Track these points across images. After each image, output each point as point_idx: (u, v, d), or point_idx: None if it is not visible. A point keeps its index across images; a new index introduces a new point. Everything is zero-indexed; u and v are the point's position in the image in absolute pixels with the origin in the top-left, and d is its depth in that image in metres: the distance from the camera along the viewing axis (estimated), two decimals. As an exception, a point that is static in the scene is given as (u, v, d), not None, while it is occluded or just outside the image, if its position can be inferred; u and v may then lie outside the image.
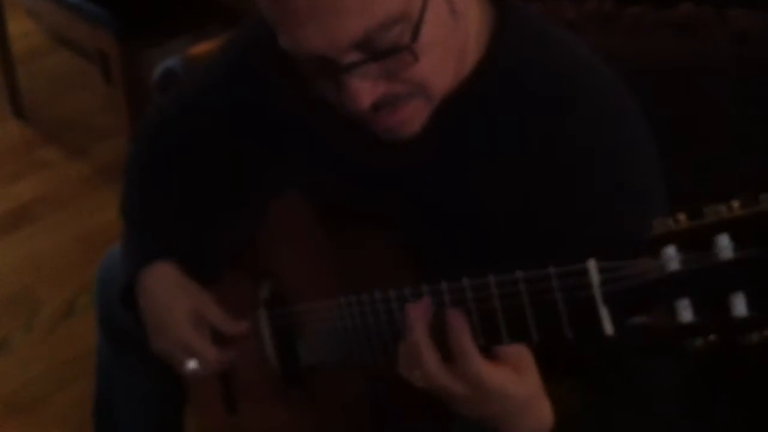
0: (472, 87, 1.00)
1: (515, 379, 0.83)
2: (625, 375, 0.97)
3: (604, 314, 0.71)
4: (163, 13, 2.54)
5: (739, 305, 0.64)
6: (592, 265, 0.71)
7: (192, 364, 1.19)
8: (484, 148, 1.01)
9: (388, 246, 1.05)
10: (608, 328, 0.71)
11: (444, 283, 0.85)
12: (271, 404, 1.25)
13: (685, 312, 0.66)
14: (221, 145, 1.25)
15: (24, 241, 2.57)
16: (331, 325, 1.07)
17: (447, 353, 0.84)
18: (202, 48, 1.75)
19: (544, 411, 0.88)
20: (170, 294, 1.20)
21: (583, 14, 1.46)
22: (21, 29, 3.13)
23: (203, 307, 1.19)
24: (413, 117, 0.96)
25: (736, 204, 0.64)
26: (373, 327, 0.99)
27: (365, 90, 0.90)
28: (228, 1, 2.27)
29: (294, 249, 1.18)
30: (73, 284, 2.37)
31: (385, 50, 0.88)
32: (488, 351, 0.83)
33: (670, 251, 0.66)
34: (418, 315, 0.85)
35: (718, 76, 1.33)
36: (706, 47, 1.35)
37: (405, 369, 0.87)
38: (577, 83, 1.00)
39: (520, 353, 0.84)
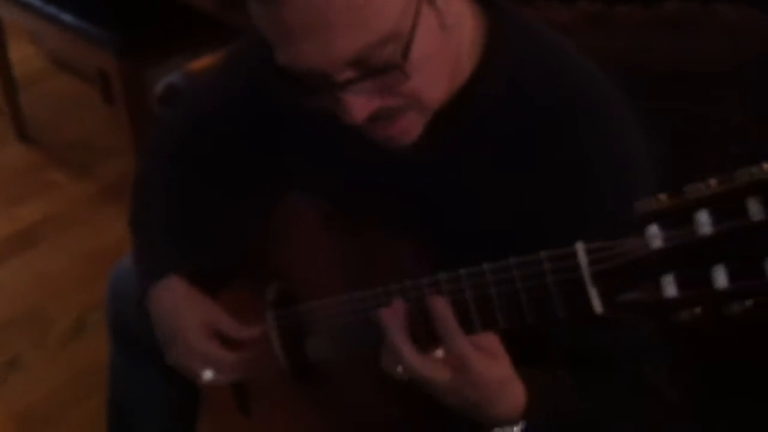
0: (469, 93, 1.03)
1: (491, 363, 0.88)
2: (595, 353, 1.01)
3: (593, 294, 0.74)
4: (162, 32, 2.56)
5: (721, 277, 0.67)
6: (579, 247, 0.74)
7: (208, 374, 1.21)
8: (481, 151, 1.03)
9: (393, 243, 1.07)
10: (597, 306, 0.74)
11: (442, 274, 0.88)
12: (283, 403, 1.27)
13: (670, 287, 0.69)
14: (224, 152, 1.27)
15: (33, 261, 2.59)
16: (337, 322, 1.08)
17: (430, 343, 0.89)
18: (203, 62, 1.77)
19: (517, 393, 0.92)
20: (180, 308, 1.22)
21: (574, 15, 1.48)
22: (21, 54, 3.17)
23: (214, 317, 1.21)
24: (409, 127, 0.99)
25: (713, 181, 0.67)
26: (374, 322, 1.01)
27: (360, 105, 0.92)
28: (227, 19, 2.30)
29: (299, 249, 1.20)
30: (83, 301, 2.39)
31: (378, 68, 0.90)
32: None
33: (653, 229, 0.69)
34: (390, 315, 0.91)
35: (709, 70, 1.35)
36: (696, 42, 1.37)
37: (388, 365, 0.93)
38: (571, 87, 1.02)
39: (490, 339, 0.89)
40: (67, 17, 2.56)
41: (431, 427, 1.11)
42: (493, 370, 0.88)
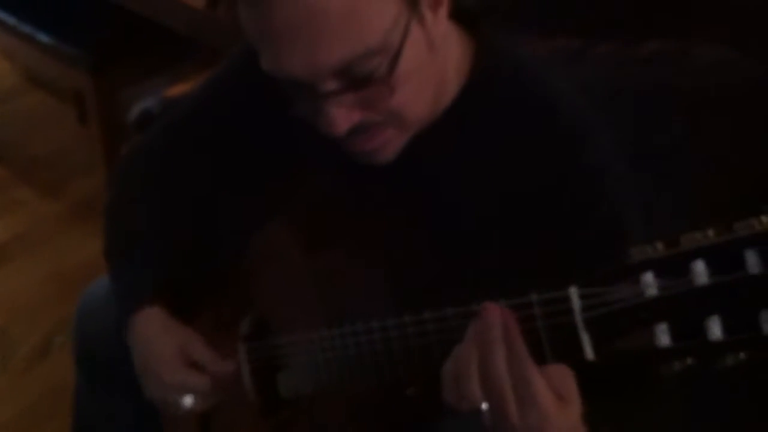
0: (452, 115, 1.02)
1: (560, 406, 0.77)
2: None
3: (585, 339, 0.73)
4: (138, 52, 2.54)
5: (715, 329, 0.66)
6: (573, 291, 0.73)
7: (187, 401, 1.19)
8: (460, 173, 1.03)
9: (369, 276, 1.06)
10: (589, 353, 0.72)
11: (427, 312, 0.87)
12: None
13: (663, 336, 0.68)
14: (209, 172, 1.25)
15: (-2, 280, 2.55)
16: (316, 356, 1.06)
17: None
18: (179, 89, 1.76)
19: None
20: (157, 337, 1.20)
21: (553, 51, 1.49)
22: (-6, 69, 3.14)
23: (191, 347, 1.19)
24: (387, 144, 0.99)
25: (711, 232, 0.66)
26: (368, 356, 0.98)
27: (341, 117, 0.92)
28: (203, 40, 2.29)
29: (274, 281, 1.18)
30: (48, 323, 2.35)
31: (363, 80, 0.90)
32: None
33: (648, 277, 0.68)
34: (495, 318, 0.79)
35: (683, 109, 1.35)
36: (672, 81, 1.38)
37: (455, 391, 0.80)
38: (554, 112, 1.02)
39: (564, 377, 0.78)
40: (42, 36, 2.53)
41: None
42: (558, 414, 0.76)
